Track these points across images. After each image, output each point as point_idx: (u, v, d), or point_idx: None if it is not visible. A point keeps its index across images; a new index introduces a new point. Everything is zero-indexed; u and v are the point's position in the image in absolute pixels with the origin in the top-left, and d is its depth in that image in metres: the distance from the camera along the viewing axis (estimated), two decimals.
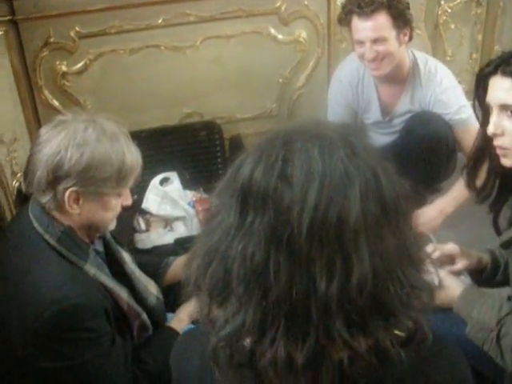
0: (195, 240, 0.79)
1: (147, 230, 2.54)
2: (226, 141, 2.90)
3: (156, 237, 2.47)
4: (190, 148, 2.83)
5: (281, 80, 2.86)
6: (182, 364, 0.95)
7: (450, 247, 1.60)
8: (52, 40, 2.50)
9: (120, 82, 2.67)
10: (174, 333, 1.62)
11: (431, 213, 2.18)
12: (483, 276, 1.58)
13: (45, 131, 1.35)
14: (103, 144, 1.33)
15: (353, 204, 0.69)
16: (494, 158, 1.39)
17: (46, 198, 1.32)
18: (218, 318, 0.76)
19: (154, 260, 1.91)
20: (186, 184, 2.70)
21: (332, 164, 0.70)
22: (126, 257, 1.63)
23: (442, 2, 2.92)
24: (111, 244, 1.59)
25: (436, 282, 1.49)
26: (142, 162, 1.44)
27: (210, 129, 2.83)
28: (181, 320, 1.68)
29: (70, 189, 1.30)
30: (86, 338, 1.33)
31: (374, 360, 0.74)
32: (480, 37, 3.05)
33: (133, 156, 1.39)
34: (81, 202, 1.33)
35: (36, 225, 1.34)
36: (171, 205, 2.58)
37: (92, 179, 1.31)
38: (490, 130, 1.32)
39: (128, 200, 1.47)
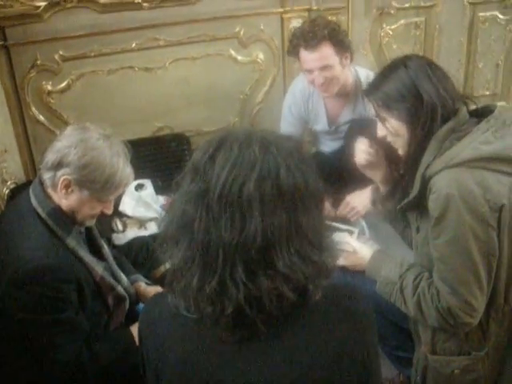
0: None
1: (124, 231, 2.78)
2: (193, 151, 3.07)
3: (132, 235, 2.68)
4: (161, 158, 3.04)
5: (242, 96, 3.14)
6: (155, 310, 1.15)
7: None
8: (39, 62, 2.74)
9: (99, 99, 2.90)
10: (130, 336, 1.74)
11: (362, 196, 2.39)
12: None
13: (70, 129, 1.65)
14: (105, 155, 1.60)
15: (249, 183, 0.97)
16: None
17: (47, 176, 1.61)
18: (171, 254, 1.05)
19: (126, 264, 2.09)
20: (159, 190, 2.91)
21: (244, 155, 0.99)
22: (105, 244, 1.88)
23: (384, 25, 3.24)
24: (93, 230, 1.84)
25: (351, 249, 1.81)
26: (130, 183, 1.69)
27: (180, 141, 3.06)
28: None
29: (66, 176, 1.58)
30: (52, 297, 1.54)
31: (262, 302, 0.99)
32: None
33: (123, 175, 1.64)
34: (69, 190, 1.60)
35: (33, 199, 1.61)
36: (145, 207, 2.81)
37: (84, 176, 1.59)
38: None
39: (109, 209, 1.72)
